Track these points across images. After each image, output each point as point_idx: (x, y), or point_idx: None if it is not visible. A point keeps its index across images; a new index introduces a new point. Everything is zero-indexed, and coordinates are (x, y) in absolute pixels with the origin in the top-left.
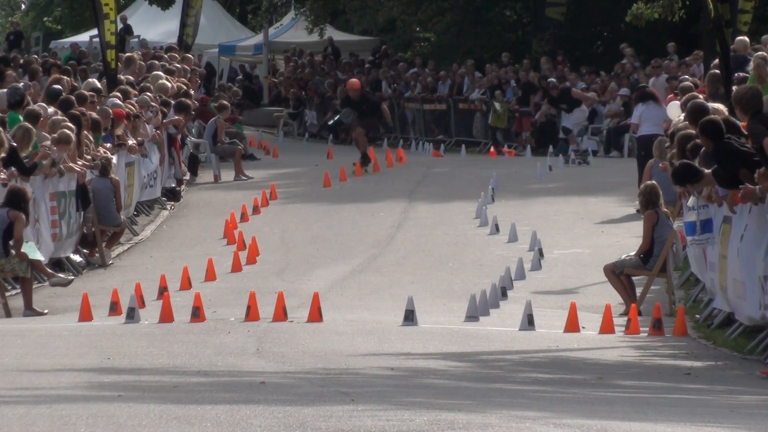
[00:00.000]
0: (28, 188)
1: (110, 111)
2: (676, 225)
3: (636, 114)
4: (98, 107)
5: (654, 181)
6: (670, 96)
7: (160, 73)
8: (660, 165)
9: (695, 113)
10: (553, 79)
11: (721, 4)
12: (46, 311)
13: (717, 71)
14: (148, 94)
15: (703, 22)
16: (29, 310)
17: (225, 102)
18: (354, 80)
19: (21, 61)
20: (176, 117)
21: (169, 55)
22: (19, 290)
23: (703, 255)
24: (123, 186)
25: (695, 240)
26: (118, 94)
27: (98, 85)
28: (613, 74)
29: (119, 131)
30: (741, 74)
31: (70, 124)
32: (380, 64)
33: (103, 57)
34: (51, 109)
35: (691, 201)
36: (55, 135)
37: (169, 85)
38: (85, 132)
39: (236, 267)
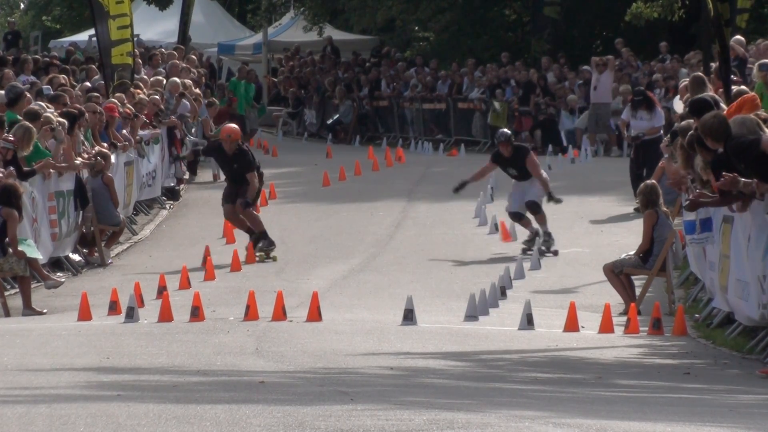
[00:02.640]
0: (19, 183)
1: (82, 107)
2: (675, 224)
3: (650, 123)
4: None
5: (654, 181)
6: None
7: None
8: (660, 163)
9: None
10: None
11: (720, 4)
12: (45, 310)
13: (715, 72)
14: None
15: (703, 22)
16: (28, 310)
17: (213, 99)
18: (232, 126)
19: (10, 57)
20: (171, 118)
21: (167, 53)
22: (17, 289)
23: (702, 254)
24: (123, 185)
25: (694, 239)
26: (91, 88)
27: (89, 84)
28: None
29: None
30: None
31: (62, 120)
32: (380, 63)
33: (101, 56)
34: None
35: None
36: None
37: (163, 80)
38: (79, 130)
39: (235, 266)
